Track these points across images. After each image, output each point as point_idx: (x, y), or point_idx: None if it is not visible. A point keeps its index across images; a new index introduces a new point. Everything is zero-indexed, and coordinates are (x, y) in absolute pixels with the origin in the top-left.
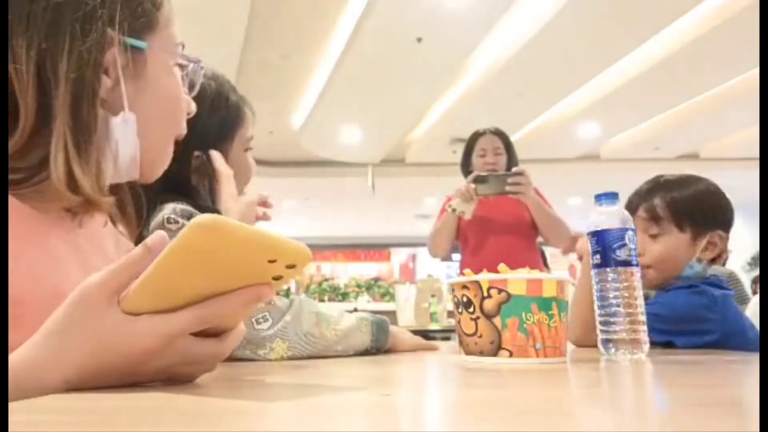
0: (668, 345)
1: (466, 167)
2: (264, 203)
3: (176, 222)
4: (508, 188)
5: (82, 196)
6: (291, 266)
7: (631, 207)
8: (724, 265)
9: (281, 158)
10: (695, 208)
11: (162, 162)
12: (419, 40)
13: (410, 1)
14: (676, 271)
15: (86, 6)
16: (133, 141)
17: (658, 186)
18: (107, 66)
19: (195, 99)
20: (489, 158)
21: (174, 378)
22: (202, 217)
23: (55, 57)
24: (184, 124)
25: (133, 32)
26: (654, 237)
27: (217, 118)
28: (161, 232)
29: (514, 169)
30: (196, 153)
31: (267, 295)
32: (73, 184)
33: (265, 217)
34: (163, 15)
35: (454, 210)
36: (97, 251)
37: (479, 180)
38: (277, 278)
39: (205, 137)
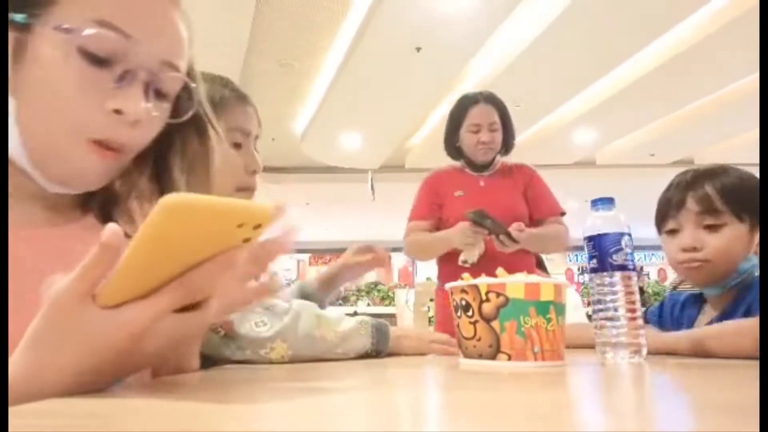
0: None
1: (452, 142)
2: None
3: None
4: (501, 238)
5: None
6: (257, 226)
7: (671, 204)
8: None
9: (283, 164)
10: (751, 195)
11: (64, 167)
12: (418, 49)
13: (409, 12)
14: (734, 265)
15: None
16: (13, 132)
17: (700, 175)
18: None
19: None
20: (483, 136)
21: (165, 366)
22: (168, 198)
23: None
24: (100, 126)
25: (21, 5)
26: (710, 229)
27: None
28: (112, 225)
29: (514, 226)
30: None
31: (240, 257)
32: None
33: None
34: None
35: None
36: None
37: (477, 221)
38: (246, 240)
39: None
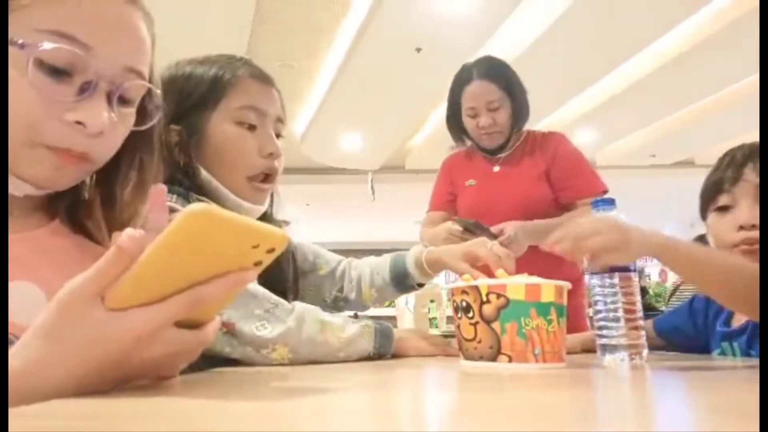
0: None
1: (455, 123)
2: None
3: None
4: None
5: None
6: (270, 250)
7: (724, 179)
8: None
9: (283, 165)
10: None
11: (26, 170)
12: (418, 49)
13: (409, 12)
14: None
15: None
16: None
17: (756, 150)
18: None
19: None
20: (483, 120)
21: (158, 371)
22: (195, 206)
23: None
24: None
25: None
26: None
27: (183, 94)
28: (130, 230)
29: (493, 229)
30: (174, 127)
31: (250, 279)
32: None
33: None
34: None
35: None
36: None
37: (468, 229)
38: (257, 263)
39: (178, 112)
